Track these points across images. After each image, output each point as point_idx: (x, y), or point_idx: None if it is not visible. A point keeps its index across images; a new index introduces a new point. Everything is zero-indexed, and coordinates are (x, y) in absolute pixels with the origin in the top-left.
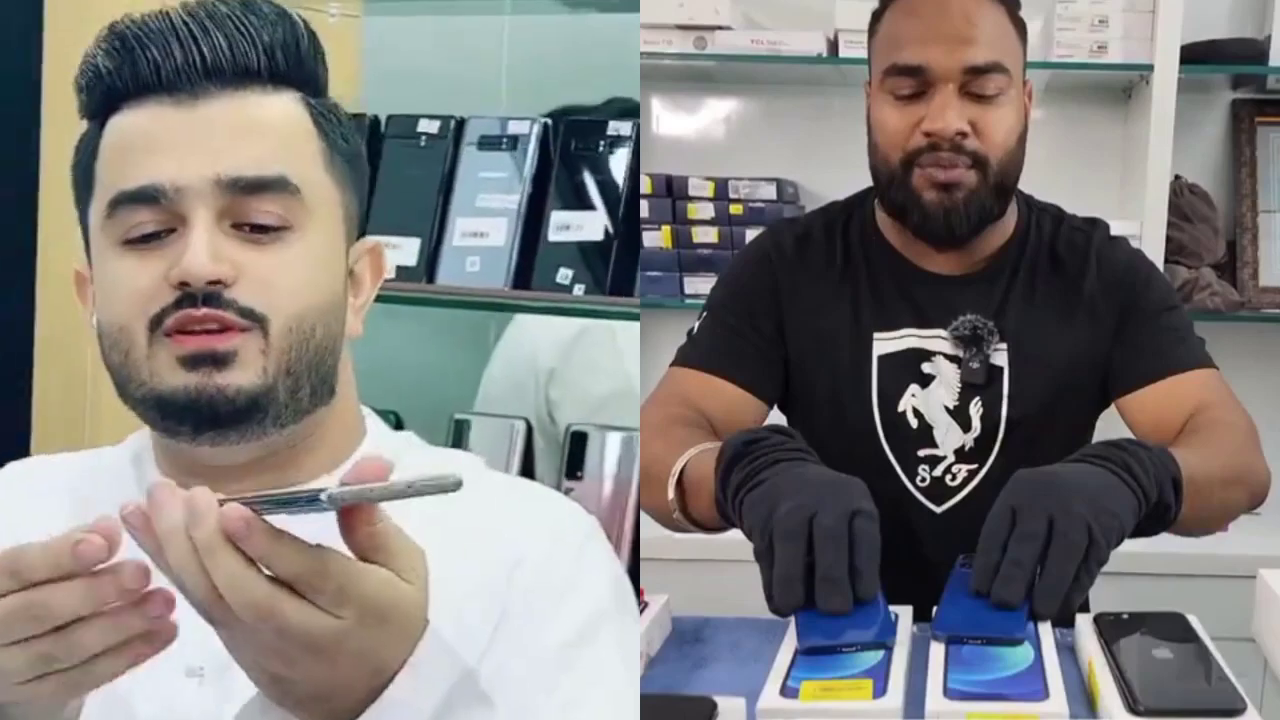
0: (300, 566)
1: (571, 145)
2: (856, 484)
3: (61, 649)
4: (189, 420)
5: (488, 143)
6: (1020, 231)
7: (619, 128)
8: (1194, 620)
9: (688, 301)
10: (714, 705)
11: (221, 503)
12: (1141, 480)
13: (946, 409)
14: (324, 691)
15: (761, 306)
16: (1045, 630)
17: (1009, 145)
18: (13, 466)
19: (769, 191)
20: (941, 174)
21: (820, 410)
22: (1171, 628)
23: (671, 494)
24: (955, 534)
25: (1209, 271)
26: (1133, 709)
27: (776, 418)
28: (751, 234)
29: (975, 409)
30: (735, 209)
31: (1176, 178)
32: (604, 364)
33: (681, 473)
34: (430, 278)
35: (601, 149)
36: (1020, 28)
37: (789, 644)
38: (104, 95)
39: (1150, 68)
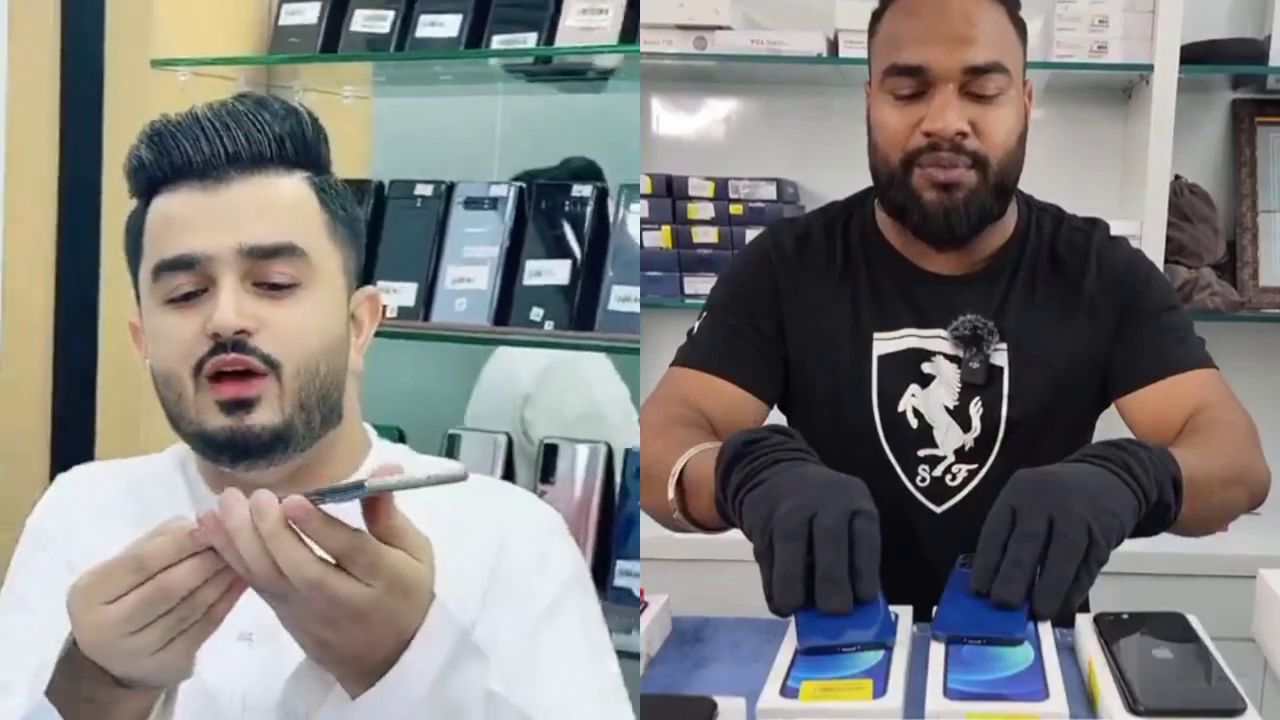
0: (344, 544)
1: (542, 204)
2: (856, 484)
3: (186, 610)
4: (227, 453)
5: (473, 203)
6: (1020, 231)
7: (581, 190)
8: (1194, 620)
9: (688, 301)
10: (714, 705)
11: (280, 499)
12: (1141, 480)
13: (946, 409)
14: (359, 652)
15: (761, 306)
16: (1045, 630)
17: (1009, 145)
18: (75, 471)
19: (769, 191)
20: (941, 174)
21: (820, 410)
22: (1171, 628)
23: (671, 494)
24: (955, 534)
25: (1209, 271)
26: (1133, 709)
27: (776, 418)
28: (751, 234)
29: (975, 409)
30: (735, 209)
31: (1176, 178)
32: (572, 390)
33: (681, 473)
34: (426, 316)
35: (567, 207)
36: (1020, 28)
37: (789, 644)
38: (146, 180)
39: (1150, 68)
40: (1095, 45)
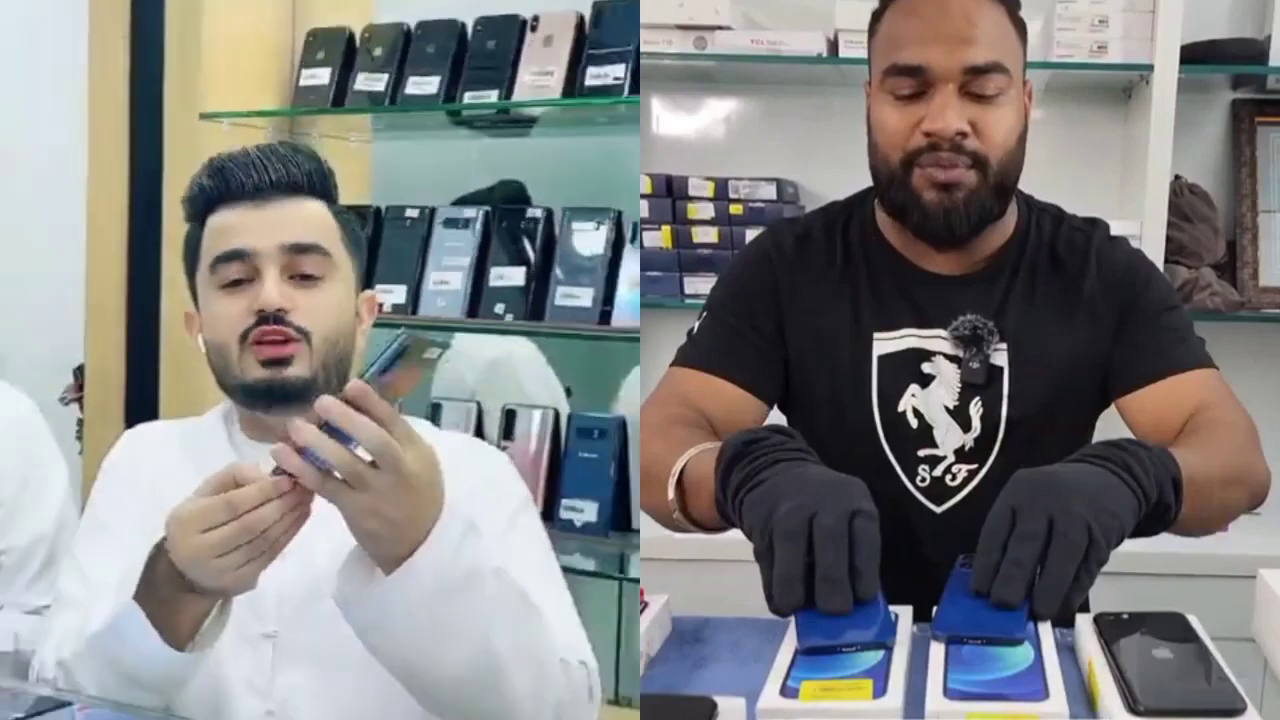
0: (390, 413)
1: (503, 224)
2: (856, 484)
3: (262, 543)
4: (265, 399)
5: (450, 223)
6: (1020, 231)
7: (534, 212)
8: (1194, 620)
9: (688, 301)
10: (714, 705)
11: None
12: (1141, 480)
13: (946, 409)
14: (402, 530)
15: (761, 306)
16: (1045, 630)
17: (1009, 145)
18: (139, 427)
19: (769, 191)
20: (941, 174)
21: (820, 410)
22: (1171, 628)
23: (671, 494)
24: (955, 534)
25: (1209, 271)
26: (1133, 709)
27: (776, 418)
28: (751, 234)
29: (975, 409)
30: (735, 209)
31: (1176, 178)
32: (509, 380)
33: (681, 473)
34: (414, 310)
35: (523, 225)
36: (1020, 28)
37: (789, 644)
38: (205, 202)
39: (1150, 68)
40: (1095, 45)
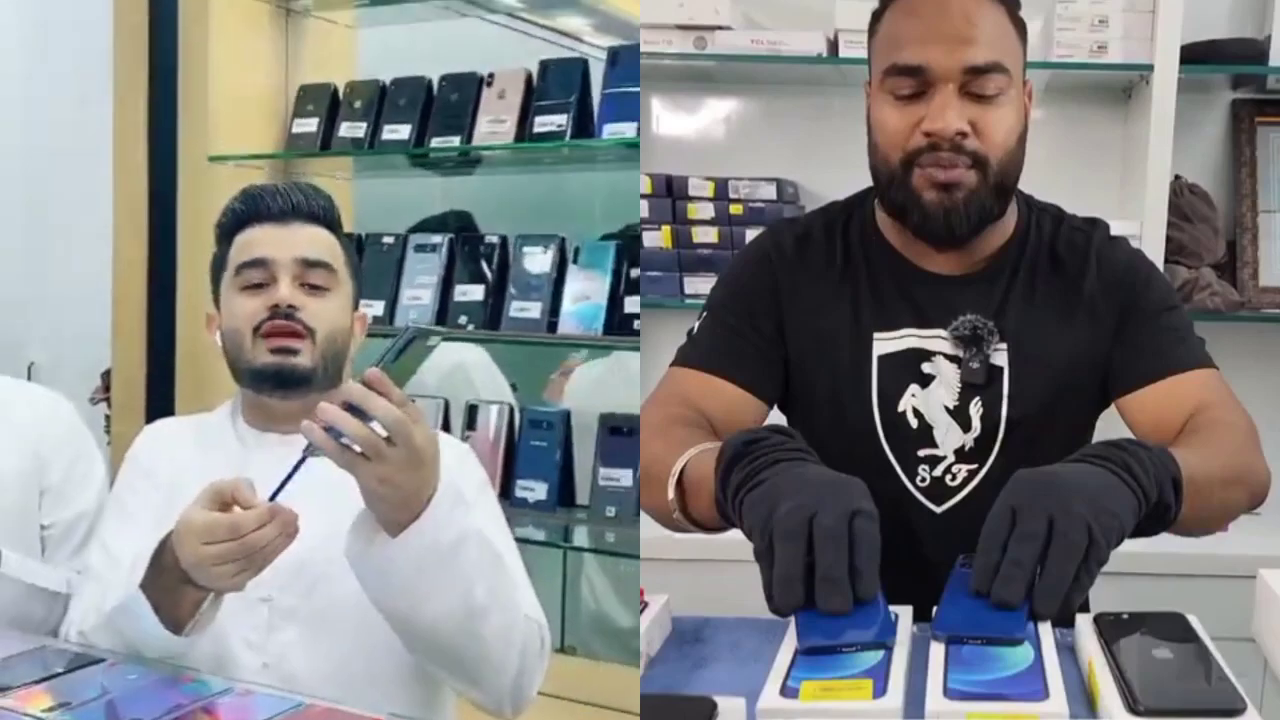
0: (403, 398)
1: (465, 248)
2: (856, 484)
3: (257, 558)
4: (272, 382)
5: (420, 248)
6: (1020, 231)
7: (491, 238)
8: (1194, 620)
9: (688, 301)
10: (714, 705)
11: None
12: (1141, 480)
13: (946, 409)
14: (409, 497)
15: (761, 306)
16: (1045, 630)
17: (1009, 145)
18: (159, 421)
19: (769, 191)
20: (941, 174)
21: (820, 410)
22: (1171, 628)
23: (671, 494)
24: (955, 534)
25: (1209, 271)
26: (1133, 709)
27: (776, 418)
28: (751, 234)
29: (975, 409)
30: (735, 209)
31: (1176, 178)
32: (463, 384)
33: (681, 473)
34: (391, 321)
35: (482, 249)
36: (1020, 28)
37: (789, 644)
38: (235, 223)
39: (1150, 68)
40: (1095, 45)
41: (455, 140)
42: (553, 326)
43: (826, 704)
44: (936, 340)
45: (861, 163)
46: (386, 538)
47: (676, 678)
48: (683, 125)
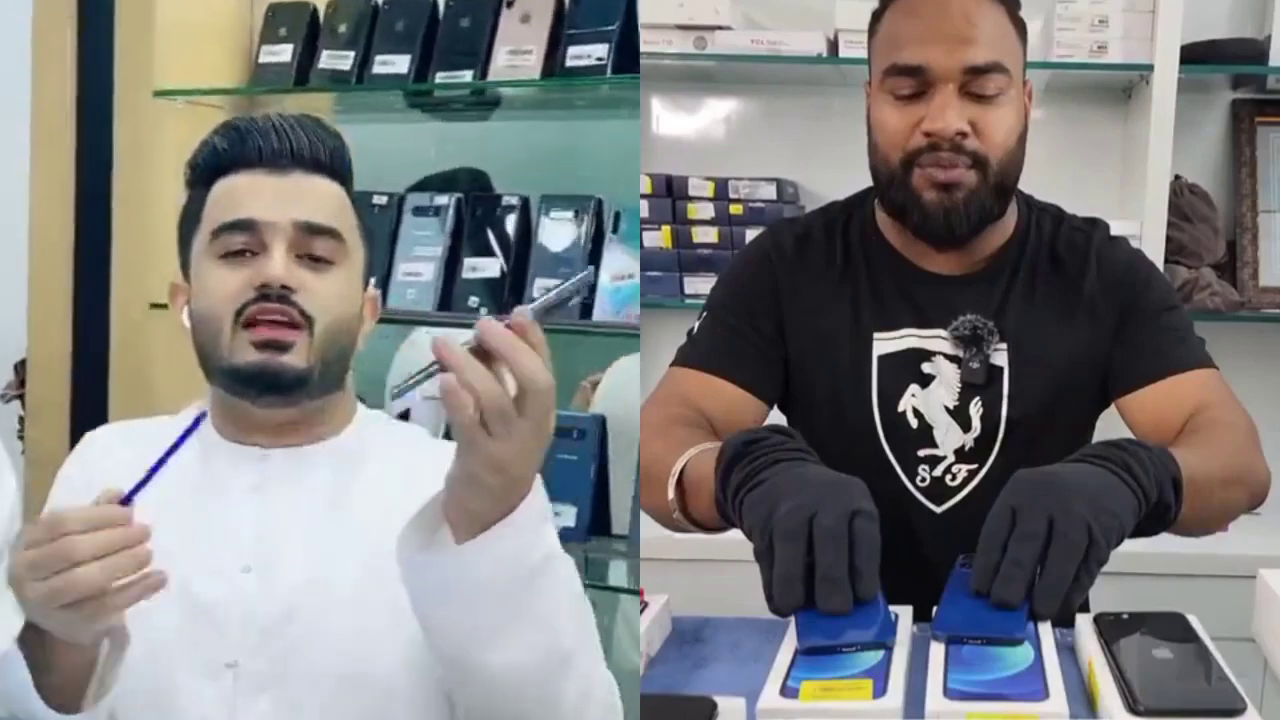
0: (548, 355)
1: (477, 212)
2: (856, 484)
3: (80, 585)
4: (255, 386)
5: (420, 211)
6: (1020, 231)
7: (510, 199)
8: (1194, 620)
9: (688, 301)
10: (714, 705)
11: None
12: (1141, 480)
13: (946, 409)
14: (509, 492)
15: (761, 306)
16: (1045, 630)
17: (1009, 145)
18: (96, 432)
19: (769, 191)
20: (941, 174)
21: (820, 410)
22: (1171, 628)
23: (671, 494)
24: (955, 534)
25: (1209, 271)
26: (1133, 709)
27: (776, 418)
28: (751, 234)
29: (975, 409)
30: (735, 209)
31: (1176, 178)
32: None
33: (681, 473)
34: (382, 303)
35: (497, 213)
36: (1020, 28)
37: (789, 644)
38: (215, 166)
39: (1150, 68)
40: (1095, 45)
41: (466, 76)
42: (586, 311)
43: (826, 704)
44: (936, 340)
45: (861, 163)
46: (453, 543)
47: (676, 678)
48: (683, 125)
